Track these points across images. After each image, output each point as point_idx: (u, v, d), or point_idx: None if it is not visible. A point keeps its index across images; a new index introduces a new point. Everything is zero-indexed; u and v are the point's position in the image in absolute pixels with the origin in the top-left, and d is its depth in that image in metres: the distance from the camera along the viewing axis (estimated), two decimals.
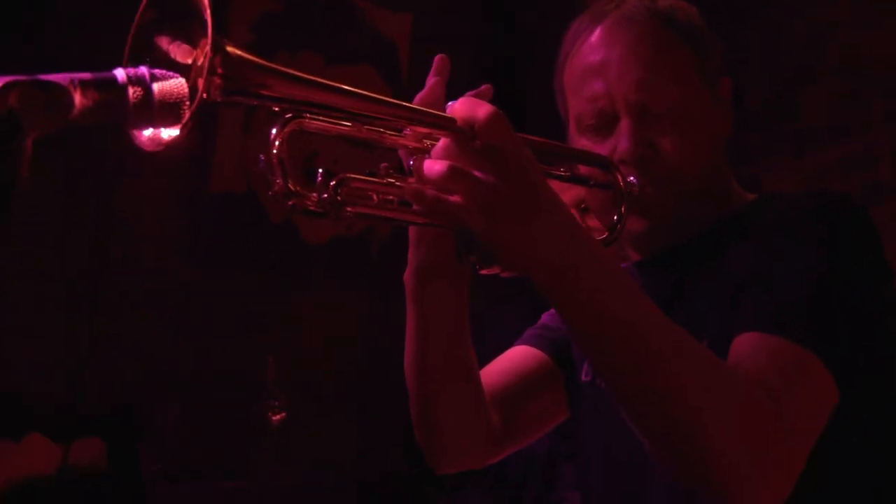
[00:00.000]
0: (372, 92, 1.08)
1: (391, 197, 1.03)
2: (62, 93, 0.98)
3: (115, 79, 1.01)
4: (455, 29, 3.84)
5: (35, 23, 2.87)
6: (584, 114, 1.34)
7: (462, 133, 0.96)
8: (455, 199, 0.95)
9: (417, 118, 1.02)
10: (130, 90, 1.01)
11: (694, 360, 1.02)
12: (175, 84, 1.04)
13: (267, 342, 3.16)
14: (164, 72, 1.03)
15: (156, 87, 1.02)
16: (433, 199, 0.96)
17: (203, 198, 3.17)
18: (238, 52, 0.94)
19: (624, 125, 1.30)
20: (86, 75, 1.02)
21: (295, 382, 2.95)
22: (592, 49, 1.34)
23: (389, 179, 1.03)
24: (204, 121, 2.93)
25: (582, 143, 1.35)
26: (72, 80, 1.00)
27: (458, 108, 0.98)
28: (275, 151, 0.98)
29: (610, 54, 1.32)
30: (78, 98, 1.01)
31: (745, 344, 1.11)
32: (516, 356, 1.55)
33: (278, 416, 2.85)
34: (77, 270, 2.87)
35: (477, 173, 0.94)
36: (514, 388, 1.49)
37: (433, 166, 0.96)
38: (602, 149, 1.31)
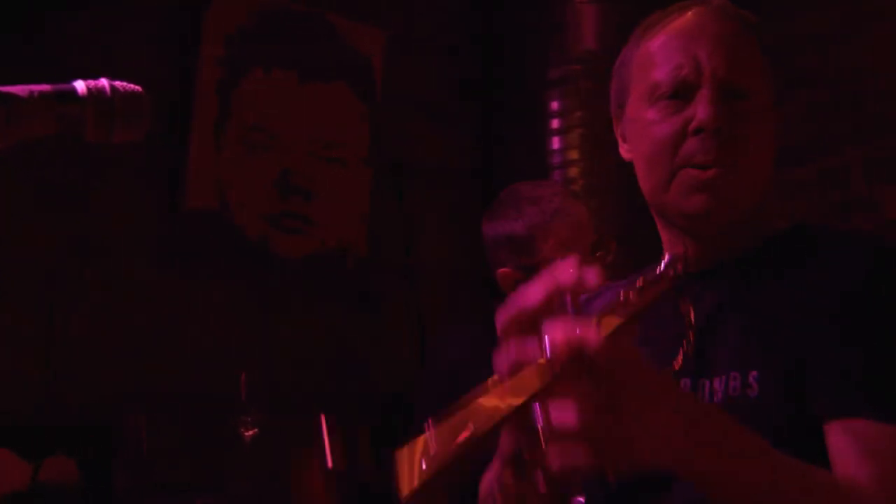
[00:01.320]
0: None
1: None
2: (21, 105, 0.99)
3: (74, 91, 1.02)
4: (431, 39, 3.85)
5: (35, 23, 2.85)
6: (664, 82, 1.31)
7: (575, 371, 0.90)
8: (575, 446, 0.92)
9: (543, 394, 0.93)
10: (91, 102, 1.02)
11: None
12: (135, 96, 1.05)
13: (240, 357, 3.16)
14: (124, 84, 1.04)
15: (116, 99, 1.03)
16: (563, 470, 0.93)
17: (176, 213, 3.16)
18: None
19: (707, 94, 1.28)
20: (46, 87, 1.02)
21: (268, 397, 2.95)
22: (685, 22, 1.33)
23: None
24: (175, 136, 2.90)
25: (650, 114, 1.33)
26: (31, 92, 1.00)
27: (561, 342, 0.89)
28: None
29: (702, 31, 1.32)
30: (38, 110, 1.01)
31: (860, 433, 1.12)
32: None
33: (251, 432, 2.84)
34: (47, 286, 2.85)
35: (592, 392, 0.90)
36: None
37: (562, 417, 0.91)
38: (674, 120, 1.30)
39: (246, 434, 2.83)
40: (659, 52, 1.33)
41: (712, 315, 1.29)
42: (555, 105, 3.60)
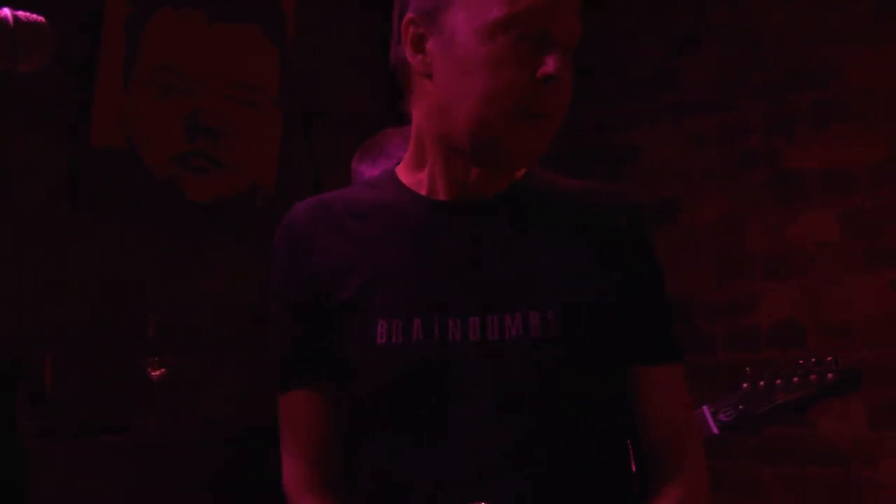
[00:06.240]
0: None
1: None
2: None
3: None
4: None
5: None
6: (518, 21, 1.23)
7: None
8: None
9: None
10: None
11: None
12: (38, 25, 1.05)
13: (149, 298, 3.15)
14: (26, 13, 1.05)
15: (19, 28, 1.04)
16: None
17: (83, 152, 3.12)
18: None
19: (559, 54, 1.27)
20: None
21: (178, 337, 2.96)
22: None
23: None
24: (82, 73, 2.86)
25: (487, 50, 1.25)
26: None
27: None
28: None
29: None
30: None
31: (670, 377, 1.37)
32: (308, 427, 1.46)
33: (158, 372, 2.85)
34: None
35: None
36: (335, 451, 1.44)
37: None
38: (520, 64, 1.25)
39: (153, 374, 2.84)
40: None
41: (496, 249, 1.34)
42: None
